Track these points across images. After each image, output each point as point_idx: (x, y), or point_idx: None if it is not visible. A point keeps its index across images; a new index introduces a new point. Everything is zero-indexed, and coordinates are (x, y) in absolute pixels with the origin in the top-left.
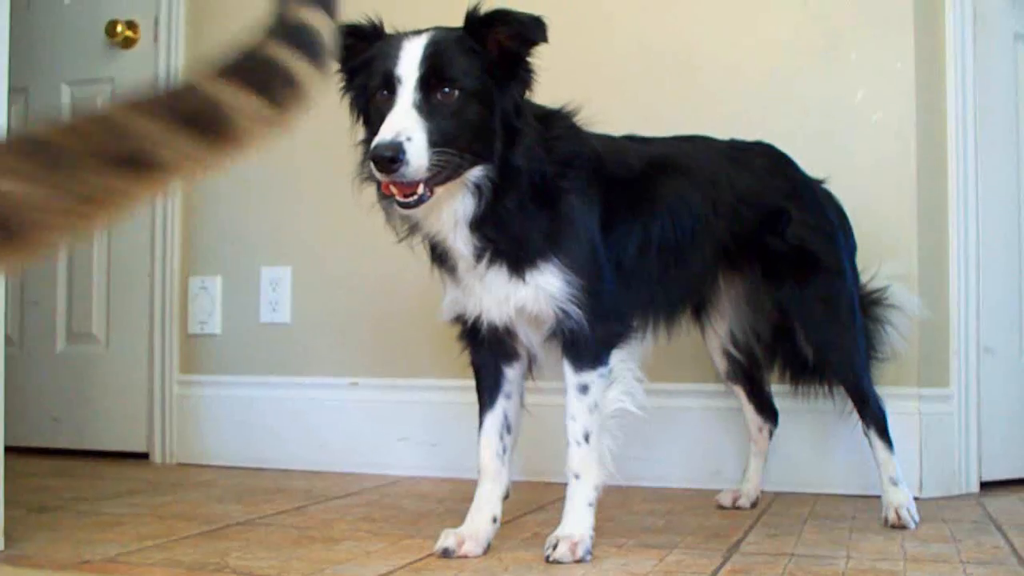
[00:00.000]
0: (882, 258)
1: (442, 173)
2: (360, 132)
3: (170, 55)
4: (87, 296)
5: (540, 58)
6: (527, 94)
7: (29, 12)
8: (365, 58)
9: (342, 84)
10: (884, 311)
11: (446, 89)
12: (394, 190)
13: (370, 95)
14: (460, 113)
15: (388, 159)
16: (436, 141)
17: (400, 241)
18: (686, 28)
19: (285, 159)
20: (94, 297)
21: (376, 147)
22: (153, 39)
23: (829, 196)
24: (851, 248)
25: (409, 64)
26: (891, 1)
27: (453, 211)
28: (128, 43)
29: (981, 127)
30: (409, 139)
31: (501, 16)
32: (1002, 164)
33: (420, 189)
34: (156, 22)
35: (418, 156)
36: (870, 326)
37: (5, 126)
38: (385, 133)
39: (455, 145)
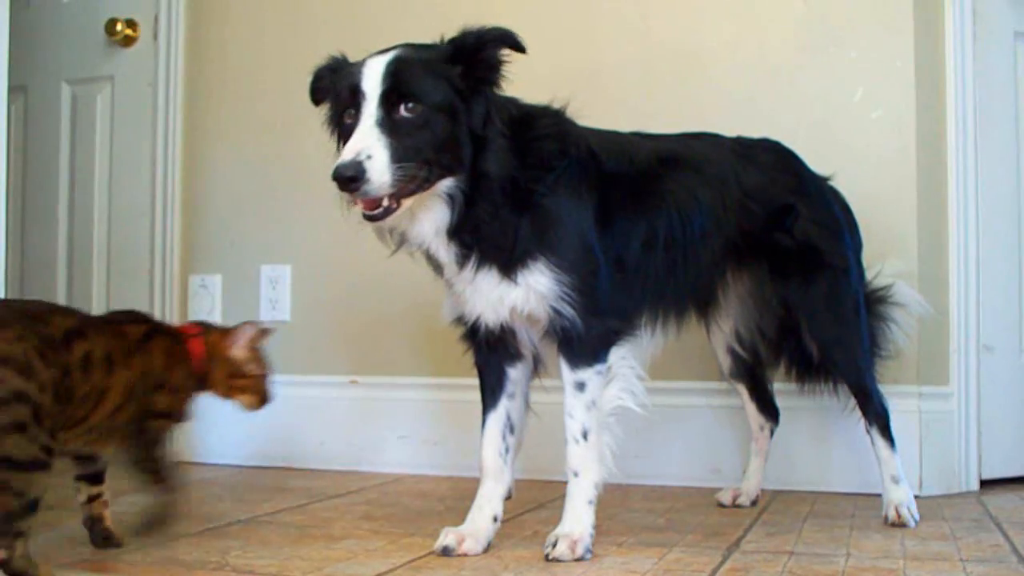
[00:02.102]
0: (886, 256)
1: (408, 187)
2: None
3: (170, 53)
4: (87, 294)
5: (539, 62)
6: (495, 100)
7: (29, 10)
8: (335, 85)
9: (326, 116)
10: (888, 309)
11: (410, 104)
12: (359, 205)
13: (339, 115)
14: (425, 127)
15: (348, 179)
16: (400, 156)
17: (392, 254)
18: (686, 27)
19: (285, 157)
20: (94, 295)
21: (336, 168)
22: (153, 37)
23: (835, 193)
24: (857, 245)
25: (372, 81)
26: (891, 0)
27: (432, 221)
28: (128, 41)
29: (981, 125)
30: (370, 157)
31: (492, 38)
32: (1002, 162)
33: (385, 202)
34: (156, 20)
35: (380, 173)
36: (874, 324)
37: (4, 124)
38: (346, 154)
39: (420, 159)
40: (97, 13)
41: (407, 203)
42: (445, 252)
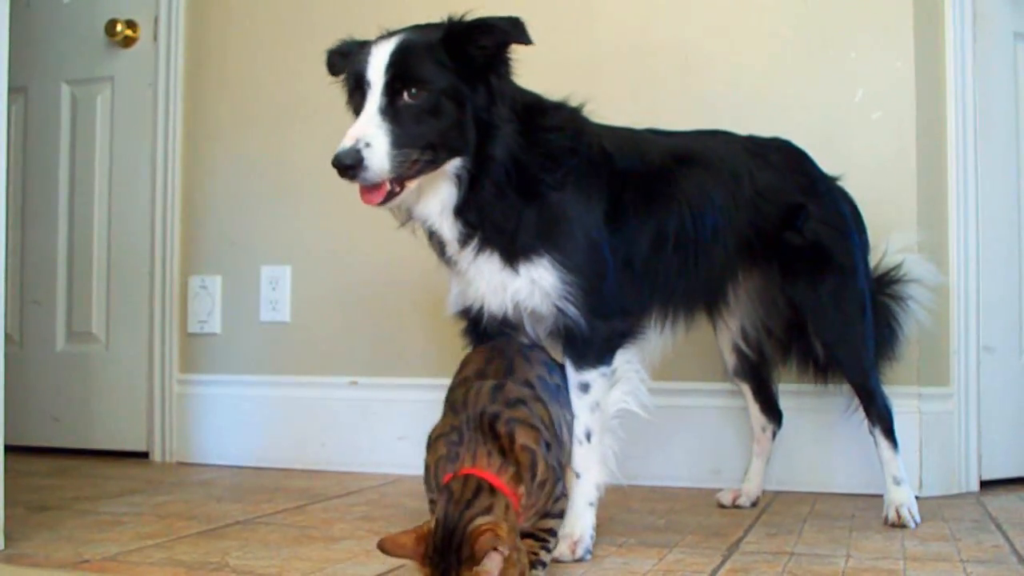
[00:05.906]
0: (889, 232)
1: (410, 171)
2: None
3: (170, 54)
4: (87, 295)
5: (539, 58)
6: (506, 83)
7: (29, 11)
8: (348, 70)
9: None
10: (905, 287)
11: (413, 90)
12: (361, 192)
13: (352, 102)
14: (428, 112)
15: (346, 166)
16: (402, 143)
17: (401, 226)
18: (685, 27)
19: (285, 158)
20: (94, 296)
21: (336, 155)
22: (153, 38)
23: (844, 193)
24: (864, 246)
25: (376, 69)
26: (891, 0)
27: (438, 199)
28: (128, 42)
29: (981, 126)
30: (368, 145)
31: (482, 27)
32: (1002, 163)
33: (387, 186)
34: (156, 21)
35: (379, 161)
36: (893, 305)
37: (4, 124)
38: (345, 141)
39: (423, 144)
40: (97, 14)
41: (411, 185)
42: (449, 230)
